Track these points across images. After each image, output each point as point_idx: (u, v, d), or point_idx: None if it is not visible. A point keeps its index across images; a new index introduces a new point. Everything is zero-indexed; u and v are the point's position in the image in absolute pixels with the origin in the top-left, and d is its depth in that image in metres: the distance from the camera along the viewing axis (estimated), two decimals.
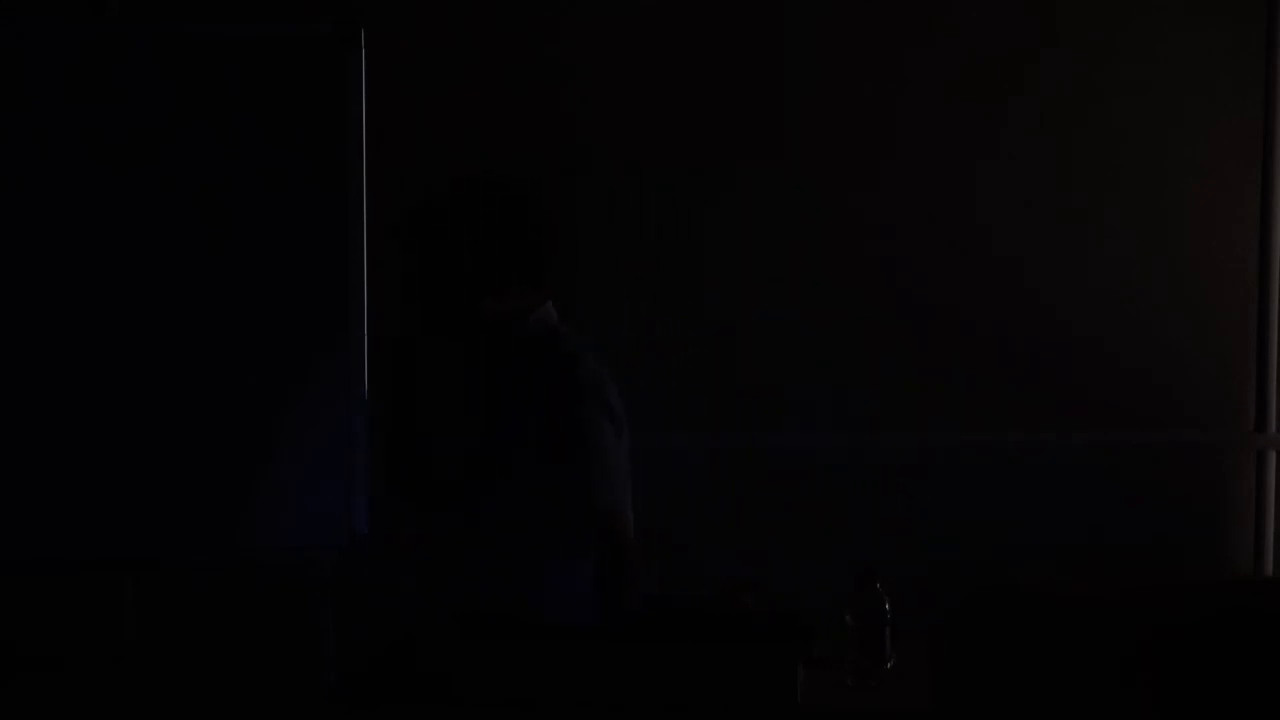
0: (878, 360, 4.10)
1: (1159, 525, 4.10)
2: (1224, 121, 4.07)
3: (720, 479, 4.10)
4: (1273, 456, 4.13)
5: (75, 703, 4.06)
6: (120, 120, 3.14)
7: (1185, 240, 4.10)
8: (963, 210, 4.10)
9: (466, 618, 3.07)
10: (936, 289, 4.10)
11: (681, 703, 2.77)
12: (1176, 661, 3.48)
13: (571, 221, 3.17)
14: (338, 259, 3.15)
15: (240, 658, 4.09)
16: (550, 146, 4.06)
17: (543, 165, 4.04)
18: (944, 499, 4.10)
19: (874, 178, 4.09)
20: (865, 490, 4.10)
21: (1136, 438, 4.11)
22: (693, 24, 4.09)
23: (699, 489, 4.09)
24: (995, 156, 4.09)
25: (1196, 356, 4.11)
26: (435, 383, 3.19)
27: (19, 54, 3.10)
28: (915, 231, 4.10)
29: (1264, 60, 4.04)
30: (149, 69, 3.14)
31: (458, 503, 3.13)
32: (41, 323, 3.16)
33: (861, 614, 2.94)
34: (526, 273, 3.11)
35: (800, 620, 3.00)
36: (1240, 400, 4.12)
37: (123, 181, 3.15)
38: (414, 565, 3.25)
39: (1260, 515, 4.13)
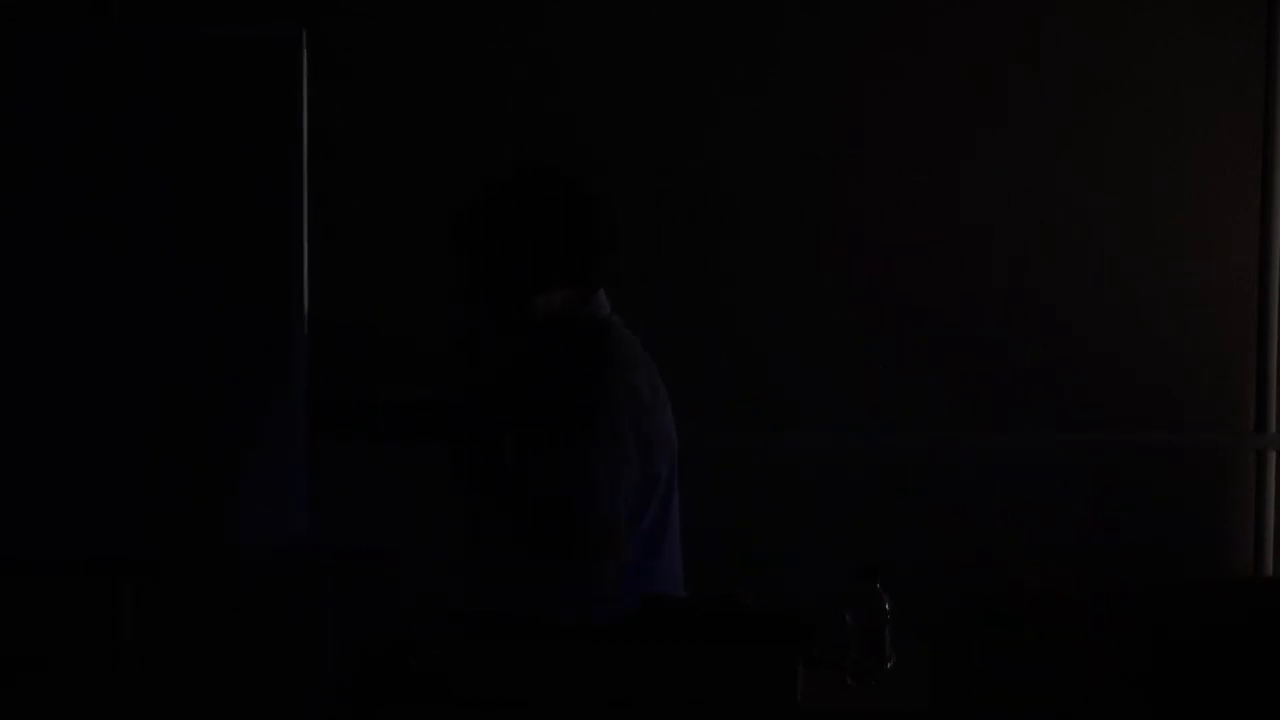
0: (878, 361, 4.10)
1: (1159, 525, 4.10)
2: (1224, 121, 4.07)
3: (721, 479, 4.10)
4: (1273, 456, 4.13)
5: (73, 703, 4.06)
6: (57, 121, 3.14)
7: (1185, 240, 4.10)
8: (962, 211, 4.10)
9: (467, 618, 3.08)
10: (936, 289, 4.10)
11: (681, 703, 2.77)
12: (1177, 661, 3.49)
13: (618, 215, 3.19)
14: (281, 257, 3.15)
15: (239, 658, 4.09)
16: (498, 146, 4.06)
17: (489, 165, 4.03)
18: (944, 499, 4.10)
19: (872, 179, 4.09)
20: (865, 490, 4.10)
21: (1137, 438, 4.11)
22: (669, 21, 4.09)
23: (699, 489, 4.08)
24: (995, 156, 4.09)
25: (1196, 356, 4.11)
26: (491, 378, 3.20)
27: None
28: (915, 232, 4.10)
29: (1264, 60, 4.04)
30: (86, 69, 3.14)
31: (486, 494, 3.13)
32: None
33: (861, 614, 2.94)
34: (573, 267, 3.12)
35: (800, 620, 3.00)
36: (1240, 400, 4.12)
37: (62, 181, 3.15)
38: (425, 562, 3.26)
39: (1260, 515, 4.13)
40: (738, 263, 4.11)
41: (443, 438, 3.27)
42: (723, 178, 4.10)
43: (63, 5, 3.93)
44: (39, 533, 3.20)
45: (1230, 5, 4.05)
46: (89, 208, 3.16)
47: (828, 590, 3.07)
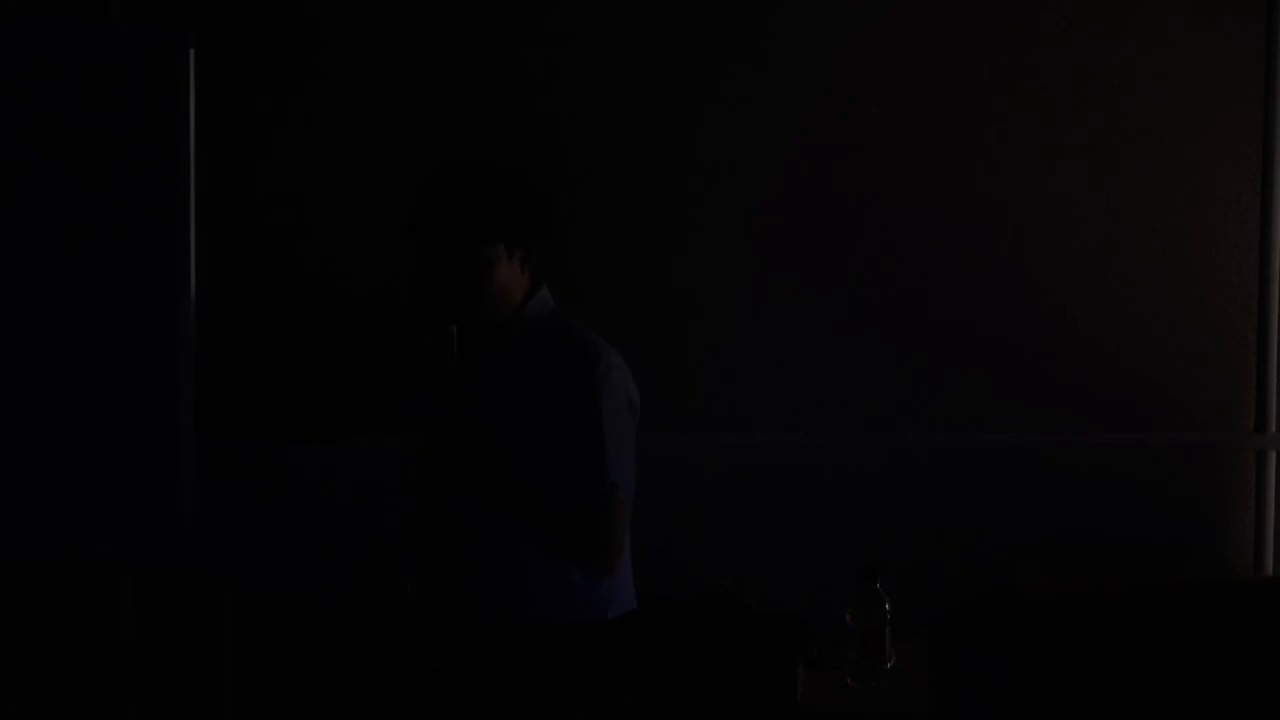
0: (878, 360, 4.10)
1: (1159, 525, 4.10)
2: (1224, 121, 4.07)
3: (718, 478, 4.10)
4: (1273, 456, 4.13)
5: (74, 703, 4.06)
6: None
7: (1185, 240, 4.09)
8: (962, 210, 4.09)
9: (466, 618, 3.08)
10: (936, 288, 4.10)
11: (681, 703, 2.77)
12: (1176, 662, 3.48)
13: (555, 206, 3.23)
14: (167, 256, 3.15)
15: (239, 658, 4.09)
16: (389, 145, 4.06)
17: (386, 168, 4.04)
18: (944, 499, 4.10)
19: (873, 179, 4.09)
20: (865, 490, 4.10)
21: (1137, 438, 4.10)
22: (658, 14, 4.10)
23: (697, 488, 4.09)
24: (994, 156, 4.09)
25: (1196, 356, 4.10)
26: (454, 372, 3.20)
27: None
28: (914, 231, 4.10)
29: (1264, 60, 4.04)
30: None
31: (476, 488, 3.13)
32: None
33: (861, 614, 2.94)
34: (534, 258, 3.15)
35: (800, 620, 3.00)
36: (1240, 400, 4.12)
37: None
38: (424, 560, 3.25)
39: (1260, 515, 4.13)
40: (735, 261, 4.11)
41: (429, 431, 3.26)
42: (721, 177, 4.10)
43: (62, 5, 3.93)
44: (39, 533, 3.20)
45: (1230, 5, 4.05)
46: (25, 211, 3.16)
47: (827, 590, 3.07)
